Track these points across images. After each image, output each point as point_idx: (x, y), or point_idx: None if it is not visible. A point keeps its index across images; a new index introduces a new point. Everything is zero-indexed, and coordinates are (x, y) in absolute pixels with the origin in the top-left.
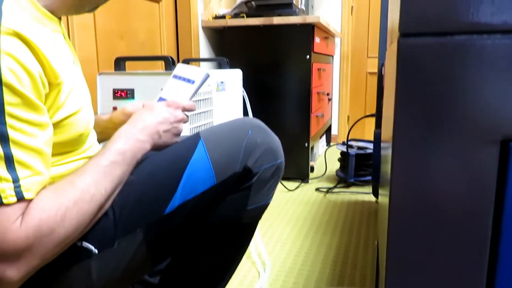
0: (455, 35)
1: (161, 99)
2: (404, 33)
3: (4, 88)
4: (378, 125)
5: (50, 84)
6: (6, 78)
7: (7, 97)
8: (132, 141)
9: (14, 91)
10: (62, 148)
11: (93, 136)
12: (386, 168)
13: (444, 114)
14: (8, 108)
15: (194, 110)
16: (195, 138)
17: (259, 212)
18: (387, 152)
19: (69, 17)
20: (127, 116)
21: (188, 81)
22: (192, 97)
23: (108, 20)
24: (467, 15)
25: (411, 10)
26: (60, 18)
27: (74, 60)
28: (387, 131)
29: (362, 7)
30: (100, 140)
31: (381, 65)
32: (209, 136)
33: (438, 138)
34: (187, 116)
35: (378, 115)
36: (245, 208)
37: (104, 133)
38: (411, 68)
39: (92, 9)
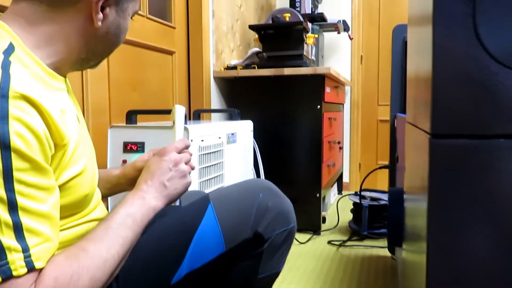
0: (488, 138)
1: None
2: (436, 134)
3: (13, 154)
4: (392, 181)
5: (56, 145)
6: (15, 143)
7: (16, 162)
8: (139, 202)
9: (23, 156)
10: (68, 211)
11: (97, 195)
12: (414, 222)
13: (478, 213)
14: (16, 174)
15: (188, 144)
16: (205, 202)
17: (270, 281)
18: (413, 205)
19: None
20: (138, 171)
21: (172, 124)
22: (177, 136)
23: (122, 71)
24: (500, 119)
25: (443, 112)
26: (65, 76)
27: (78, 115)
28: (411, 184)
29: (371, 55)
30: (109, 195)
31: (393, 117)
32: (218, 200)
33: (472, 228)
34: (190, 153)
35: (391, 169)
36: (256, 277)
37: (116, 189)
38: (444, 168)
39: (96, 64)
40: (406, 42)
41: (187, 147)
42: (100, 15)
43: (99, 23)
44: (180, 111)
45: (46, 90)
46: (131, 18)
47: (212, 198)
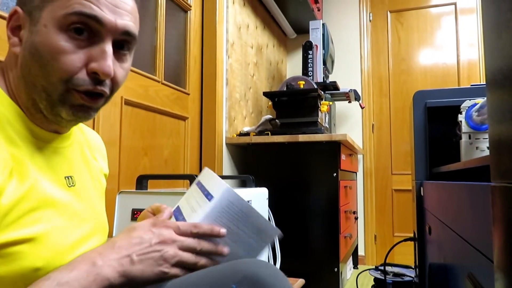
0: None
1: (178, 209)
2: None
3: None
4: (421, 255)
5: None
6: None
7: None
8: (85, 267)
9: None
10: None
11: None
12: None
13: None
14: None
15: (196, 231)
16: None
17: None
18: None
19: None
20: None
21: (207, 195)
22: (208, 219)
23: (134, 135)
24: None
25: None
26: (54, 132)
27: (76, 180)
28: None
29: (382, 124)
30: None
31: (419, 184)
32: None
33: None
34: (192, 240)
35: (420, 242)
36: None
37: None
38: None
39: (49, 106)
40: (428, 108)
41: (199, 235)
42: (13, 39)
43: (15, 49)
44: (221, 193)
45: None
46: (69, 30)
47: None
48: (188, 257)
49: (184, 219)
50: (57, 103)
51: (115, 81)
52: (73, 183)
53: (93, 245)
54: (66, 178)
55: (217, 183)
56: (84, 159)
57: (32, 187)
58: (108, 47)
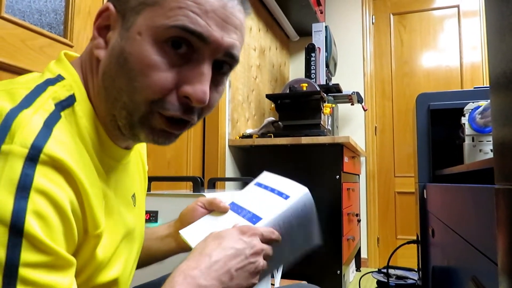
0: None
1: (234, 204)
2: None
3: (24, 242)
4: (425, 257)
5: (85, 232)
6: (31, 226)
7: (26, 253)
8: None
9: (37, 244)
10: None
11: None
12: None
13: None
14: (23, 271)
15: (275, 238)
16: None
17: None
18: None
19: None
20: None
21: (280, 194)
22: (281, 217)
23: None
24: None
25: None
26: (130, 148)
27: (135, 197)
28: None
29: (385, 127)
30: (146, 265)
31: (422, 187)
32: None
33: None
34: (270, 247)
35: (423, 244)
36: None
37: (158, 255)
38: None
39: (129, 125)
40: (431, 110)
41: (273, 241)
42: (98, 40)
43: (97, 51)
44: (301, 194)
45: (90, 160)
46: (166, 43)
47: None
48: (265, 264)
49: (251, 213)
50: (137, 124)
51: (207, 107)
52: (135, 202)
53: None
54: (132, 198)
55: (292, 185)
56: (142, 168)
57: (117, 221)
58: (208, 69)
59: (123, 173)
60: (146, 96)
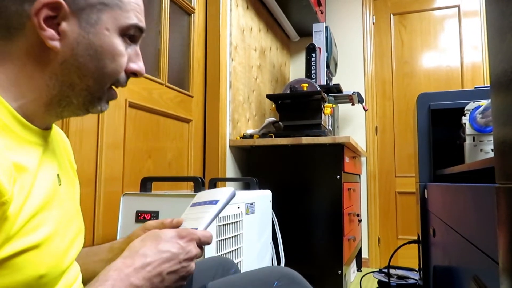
0: None
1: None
2: None
3: None
4: (425, 257)
5: None
6: None
7: None
8: (122, 285)
9: None
10: None
11: (68, 279)
12: None
13: None
14: None
15: (210, 242)
16: None
17: None
18: None
19: (99, 136)
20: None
21: (211, 202)
22: (213, 219)
23: (138, 139)
24: None
25: None
26: (45, 129)
27: (61, 177)
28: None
29: (386, 127)
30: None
31: (423, 187)
32: None
33: None
34: (202, 250)
35: (424, 244)
36: None
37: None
38: None
39: (88, 102)
40: (431, 110)
41: (207, 243)
42: (49, 31)
43: (53, 43)
44: (228, 194)
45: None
46: (125, 36)
47: None
48: (194, 267)
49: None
50: (96, 100)
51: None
52: (60, 182)
53: (79, 247)
54: (58, 177)
55: (220, 190)
56: (65, 153)
57: (32, 188)
58: (138, 48)
59: (47, 152)
60: (113, 77)
